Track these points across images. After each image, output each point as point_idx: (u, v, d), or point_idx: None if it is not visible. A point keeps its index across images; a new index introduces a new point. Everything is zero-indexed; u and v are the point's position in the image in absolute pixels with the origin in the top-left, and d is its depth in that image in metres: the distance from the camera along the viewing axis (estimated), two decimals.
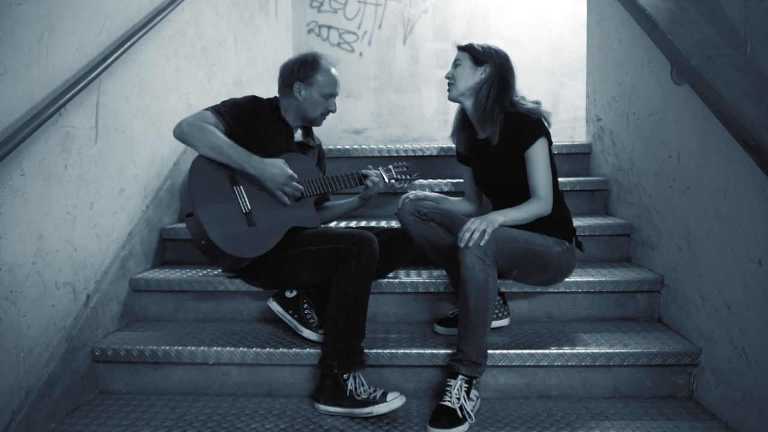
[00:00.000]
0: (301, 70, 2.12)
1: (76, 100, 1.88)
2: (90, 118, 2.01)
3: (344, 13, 4.88)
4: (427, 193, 2.23)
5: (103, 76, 2.03)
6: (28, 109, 1.69)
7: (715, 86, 1.67)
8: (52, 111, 1.72)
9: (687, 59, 1.82)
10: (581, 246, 2.11)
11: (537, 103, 2.05)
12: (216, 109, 2.00)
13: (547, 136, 2.00)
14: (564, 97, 4.73)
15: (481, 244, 1.75)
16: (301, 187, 2.02)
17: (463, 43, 2.10)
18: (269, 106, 2.15)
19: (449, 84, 2.07)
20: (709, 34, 1.91)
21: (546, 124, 2.01)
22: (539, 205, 1.92)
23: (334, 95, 2.16)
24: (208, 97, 2.95)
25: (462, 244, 1.76)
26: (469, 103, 2.07)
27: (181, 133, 1.95)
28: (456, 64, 2.07)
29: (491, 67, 2.02)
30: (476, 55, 2.04)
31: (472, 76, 2.03)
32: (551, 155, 2.02)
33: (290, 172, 1.98)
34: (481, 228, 1.77)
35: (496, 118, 1.99)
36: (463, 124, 2.17)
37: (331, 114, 2.21)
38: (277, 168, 1.96)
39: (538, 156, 1.95)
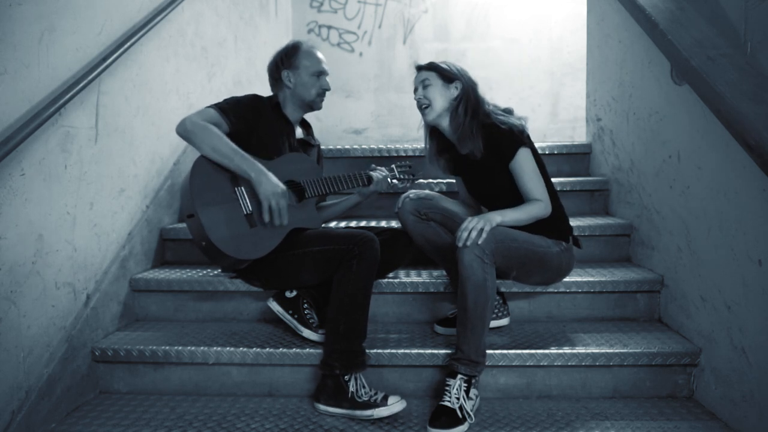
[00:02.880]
0: (285, 60, 2.15)
1: (76, 100, 1.88)
2: (90, 118, 2.01)
3: (344, 13, 4.87)
4: (427, 192, 2.22)
5: (103, 76, 2.03)
6: (28, 109, 1.69)
7: (715, 86, 1.67)
8: (52, 111, 1.72)
9: (687, 59, 1.82)
10: (578, 243, 2.09)
11: (509, 111, 2.02)
12: (220, 107, 1.99)
13: (527, 143, 1.94)
14: (564, 97, 4.73)
15: (479, 242, 1.75)
16: (285, 215, 1.94)
17: (422, 62, 2.06)
18: (270, 103, 2.15)
19: (424, 107, 2.00)
20: (709, 34, 1.91)
21: (521, 132, 1.94)
22: (538, 207, 1.91)
23: (322, 72, 2.17)
24: (208, 97, 2.95)
25: (460, 244, 1.76)
26: (445, 123, 2.01)
27: (184, 130, 1.93)
28: (425, 84, 1.99)
29: (461, 83, 1.99)
30: (444, 73, 2.00)
31: (445, 94, 1.99)
32: (537, 157, 1.98)
33: (284, 189, 1.93)
34: (478, 227, 1.77)
35: (476, 133, 1.95)
36: (441, 147, 2.12)
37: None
38: (274, 181, 1.92)
39: (522, 167, 1.92)
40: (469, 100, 1.98)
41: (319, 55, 2.18)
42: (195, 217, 1.90)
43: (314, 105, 2.20)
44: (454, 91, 1.99)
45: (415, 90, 2.04)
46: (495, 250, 1.78)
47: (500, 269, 1.85)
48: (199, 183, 1.92)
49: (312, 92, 2.15)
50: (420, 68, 2.06)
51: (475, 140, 1.95)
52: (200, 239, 1.93)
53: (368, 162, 2.47)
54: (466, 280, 1.75)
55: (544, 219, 1.94)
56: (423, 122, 2.10)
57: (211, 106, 2.00)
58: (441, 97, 1.99)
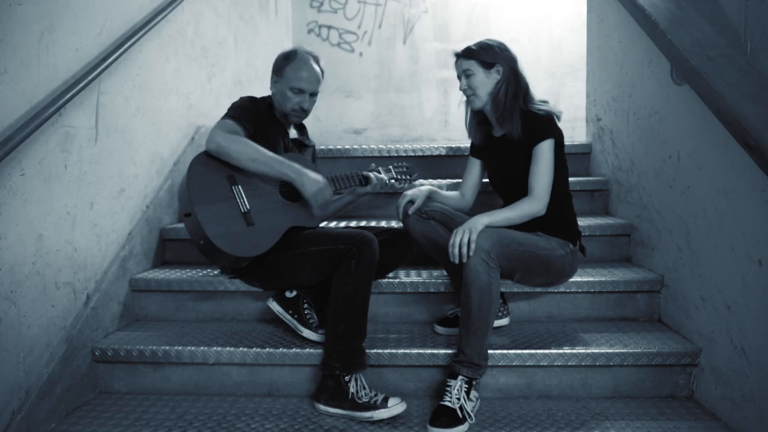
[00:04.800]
0: (279, 63, 2.12)
1: (76, 100, 1.88)
2: (90, 118, 2.01)
3: (344, 13, 4.87)
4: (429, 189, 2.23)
5: (103, 76, 2.03)
6: (28, 109, 1.69)
7: (715, 86, 1.67)
8: (52, 111, 1.72)
9: (687, 59, 1.82)
10: (584, 251, 2.11)
11: (545, 102, 2.05)
12: (234, 117, 1.99)
13: (558, 137, 1.97)
14: (564, 97, 4.72)
15: (471, 253, 1.74)
16: (329, 206, 2.04)
17: (459, 49, 2.04)
18: (264, 104, 2.16)
19: (469, 96, 2.03)
20: (709, 34, 1.91)
21: (557, 124, 2.00)
22: (531, 204, 1.91)
23: (302, 91, 2.07)
24: (208, 97, 2.95)
25: (456, 261, 1.76)
26: (488, 107, 2.05)
27: (217, 146, 1.93)
28: (467, 74, 2.01)
29: (503, 65, 2.00)
30: (483, 59, 2.00)
31: (488, 81, 2.00)
32: (562, 155, 2.01)
33: (325, 182, 2.00)
34: (465, 239, 1.76)
35: (515, 116, 1.98)
36: (481, 120, 2.15)
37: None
38: (314, 178, 1.98)
39: (542, 154, 1.94)
40: (509, 81, 2.00)
41: (309, 73, 2.08)
42: (192, 215, 1.91)
43: (289, 118, 2.15)
44: (495, 75, 2.01)
45: (459, 78, 2.05)
46: (500, 253, 1.78)
47: (504, 272, 1.85)
48: (196, 182, 1.93)
49: (287, 105, 2.10)
50: (459, 56, 2.04)
51: (515, 122, 1.97)
52: (198, 238, 1.93)
53: (368, 162, 2.47)
54: (471, 283, 1.75)
55: (554, 218, 1.96)
56: (465, 98, 2.11)
57: (225, 118, 2.00)
58: (483, 85, 2.00)
